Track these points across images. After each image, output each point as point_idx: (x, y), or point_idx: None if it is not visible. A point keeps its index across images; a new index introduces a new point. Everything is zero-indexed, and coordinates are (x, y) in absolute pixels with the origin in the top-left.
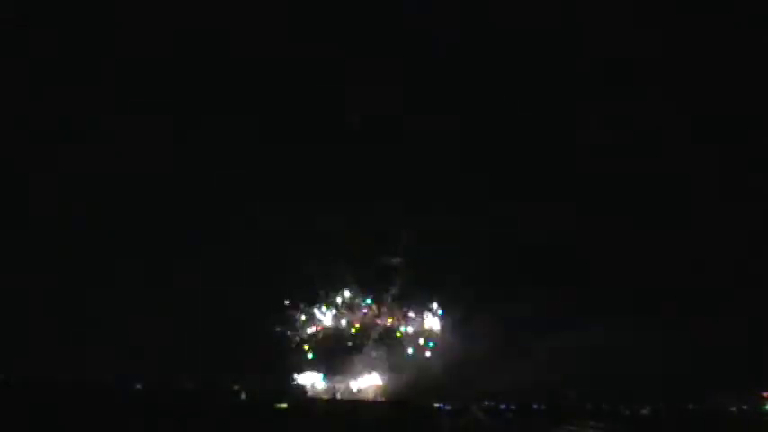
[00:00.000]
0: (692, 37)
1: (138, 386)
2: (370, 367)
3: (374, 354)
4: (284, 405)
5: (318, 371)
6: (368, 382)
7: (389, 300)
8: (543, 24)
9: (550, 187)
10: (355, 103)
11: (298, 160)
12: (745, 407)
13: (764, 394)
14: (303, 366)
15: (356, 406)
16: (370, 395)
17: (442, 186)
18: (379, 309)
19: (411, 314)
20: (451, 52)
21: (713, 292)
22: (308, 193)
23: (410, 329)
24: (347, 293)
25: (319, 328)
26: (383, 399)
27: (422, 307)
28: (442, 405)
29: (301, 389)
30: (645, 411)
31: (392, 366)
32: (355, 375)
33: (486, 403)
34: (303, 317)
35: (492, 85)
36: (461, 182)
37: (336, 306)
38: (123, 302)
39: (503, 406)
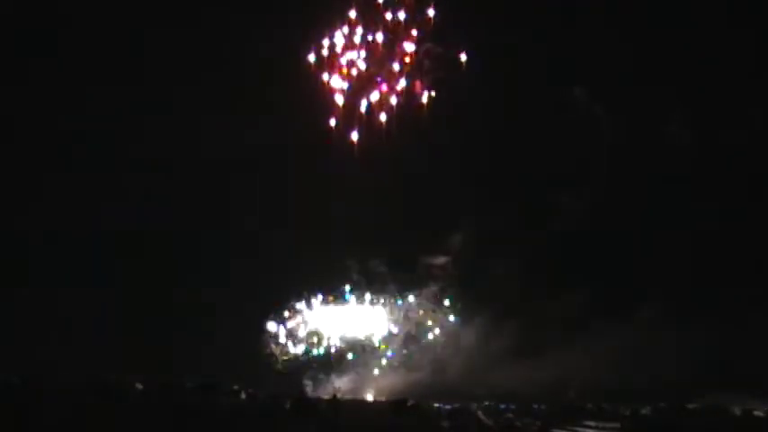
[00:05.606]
0: None
1: (139, 386)
2: (384, 368)
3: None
4: (284, 405)
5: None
6: (371, 382)
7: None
8: None
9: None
10: None
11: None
12: (746, 407)
13: None
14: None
15: (356, 406)
16: (370, 395)
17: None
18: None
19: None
20: None
21: (715, 293)
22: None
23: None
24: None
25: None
26: (383, 399)
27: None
28: (441, 405)
29: (301, 388)
30: (645, 411)
31: (409, 366)
32: (362, 375)
33: (486, 403)
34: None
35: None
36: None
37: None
38: (122, 301)
39: (502, 406)
